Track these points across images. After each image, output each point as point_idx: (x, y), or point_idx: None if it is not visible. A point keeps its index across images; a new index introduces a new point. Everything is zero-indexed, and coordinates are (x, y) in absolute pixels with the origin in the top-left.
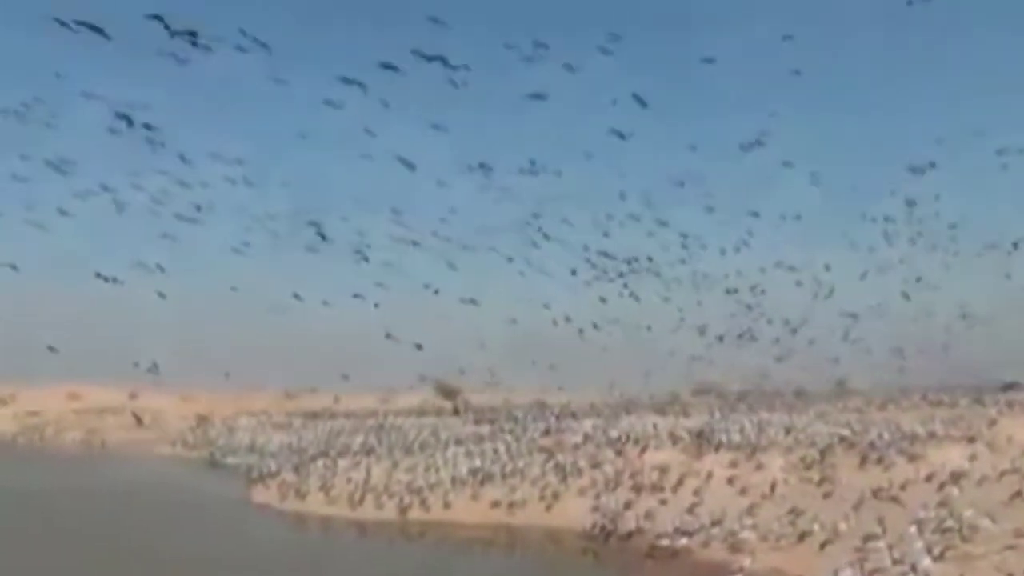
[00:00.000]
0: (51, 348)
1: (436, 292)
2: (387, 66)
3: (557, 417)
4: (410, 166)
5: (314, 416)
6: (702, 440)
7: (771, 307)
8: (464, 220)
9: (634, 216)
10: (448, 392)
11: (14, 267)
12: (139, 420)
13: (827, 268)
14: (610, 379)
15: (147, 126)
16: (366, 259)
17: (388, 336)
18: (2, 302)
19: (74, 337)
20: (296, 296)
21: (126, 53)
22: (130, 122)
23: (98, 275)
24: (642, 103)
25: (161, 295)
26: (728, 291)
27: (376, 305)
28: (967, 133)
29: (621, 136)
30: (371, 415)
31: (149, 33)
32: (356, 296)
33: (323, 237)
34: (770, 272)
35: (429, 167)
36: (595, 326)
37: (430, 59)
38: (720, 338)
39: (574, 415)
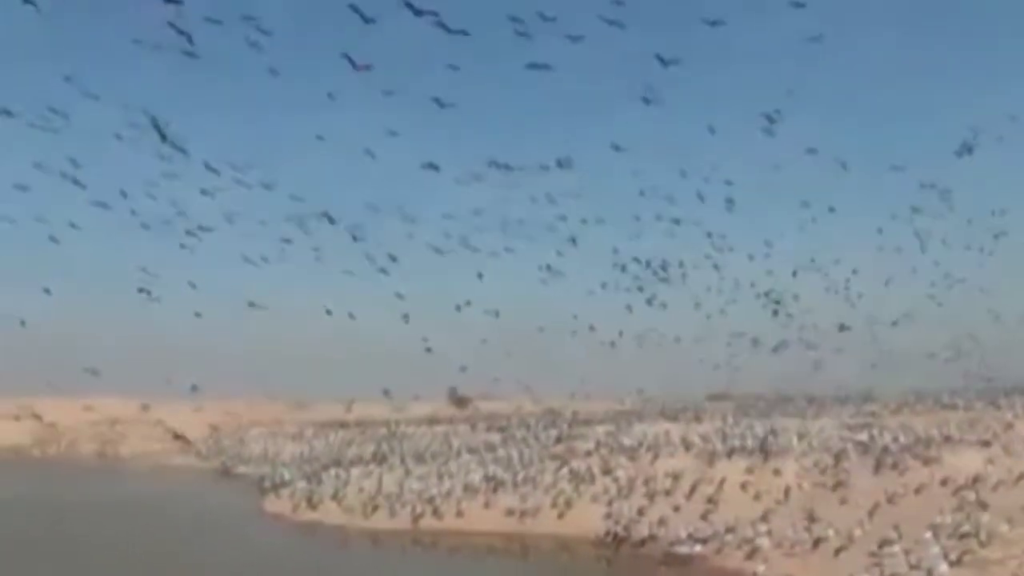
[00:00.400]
0: (91, 371)
1: (468, 303)
2: (364, 18)
3: (569, 424)
4: (434, 168)
5: (340, 425)
6: (767, 449)
7: (800, 312)
8: (484, 222)
9: (658, 216)
10: (459, 401)
11: (47, 291)
12: (180, 437)
13: (855, 272)
14: (637, 387)
15: (177, 144)
16: (384, 272)
17: (428, 350)
18: (15, 316)
19: (88, 348)
20: (328, 312)
21: (130, 51)
22: (163, 136)
23: (140, 290)
24: (664, 63)
25: (197, 314)
26: (758, 296)
27: (406, 317)
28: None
29: (647, 101)
30: (383, 424)
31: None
32: (405, 317)
33: (355, 238)
34: (801, 275)
35: (442, 163)
36: (620, 334)
37: (419, 13)
38: (754, 342)
39: (586, 422)
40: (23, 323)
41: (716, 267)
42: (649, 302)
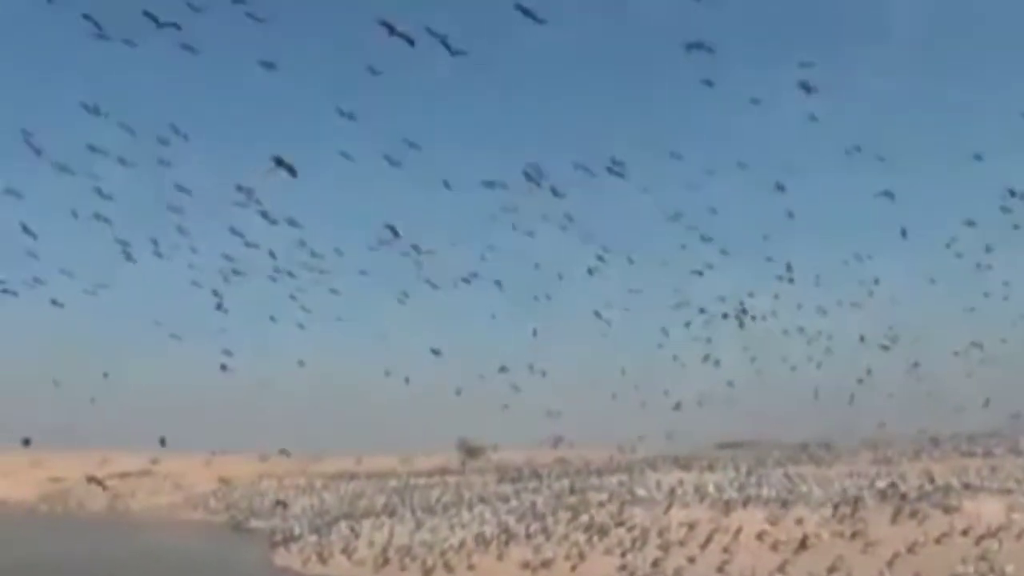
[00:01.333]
0: (162, 441)
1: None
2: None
3: (581, 474)
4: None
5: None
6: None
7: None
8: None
9: (704, 237)
10: (470, 451)
11: (106, 375)
12: (283, 505)
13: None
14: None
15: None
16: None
17: (505, 407)
18: (31, 373)
19: (100, 402)
20: (387, 373)
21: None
22: (292, 171)
23: (225, 351)
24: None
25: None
26: (809, 341)
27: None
28: None
29: (710, 49)
30: (394, 475)
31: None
32: (458, 392)
33: (417, 248)
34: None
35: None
36: (666, 394)
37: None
38: (814, 397)
39: (598, 472)
40: (93, 400)
41: (774, 311)
42: (705, 359)
